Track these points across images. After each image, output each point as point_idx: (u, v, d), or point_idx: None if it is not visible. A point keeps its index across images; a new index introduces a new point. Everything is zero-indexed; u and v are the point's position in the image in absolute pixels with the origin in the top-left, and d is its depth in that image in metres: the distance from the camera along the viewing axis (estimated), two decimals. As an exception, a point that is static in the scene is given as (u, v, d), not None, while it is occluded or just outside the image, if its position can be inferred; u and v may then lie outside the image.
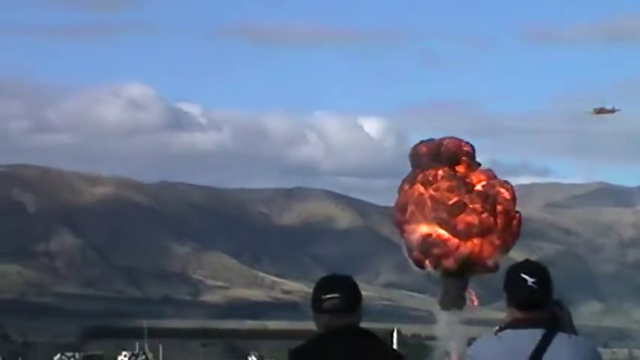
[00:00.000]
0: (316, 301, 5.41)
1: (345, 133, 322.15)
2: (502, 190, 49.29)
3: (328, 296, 5.37)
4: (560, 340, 5.20)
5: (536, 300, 5.28)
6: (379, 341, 5.33)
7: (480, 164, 50.12)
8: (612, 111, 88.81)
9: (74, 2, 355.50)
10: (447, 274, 49.44)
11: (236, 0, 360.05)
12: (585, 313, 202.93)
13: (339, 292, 5.38)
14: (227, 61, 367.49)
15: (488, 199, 48.47)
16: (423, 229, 49.85)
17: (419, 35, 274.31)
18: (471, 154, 49.51)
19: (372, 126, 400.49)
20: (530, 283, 5.30)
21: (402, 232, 50.35)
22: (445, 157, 49.25)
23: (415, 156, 50.02)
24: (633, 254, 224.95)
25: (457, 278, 49.66)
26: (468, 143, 49.84)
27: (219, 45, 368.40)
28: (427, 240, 49.39)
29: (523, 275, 5.35)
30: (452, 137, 50.54)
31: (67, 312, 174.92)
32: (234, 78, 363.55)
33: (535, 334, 5.19)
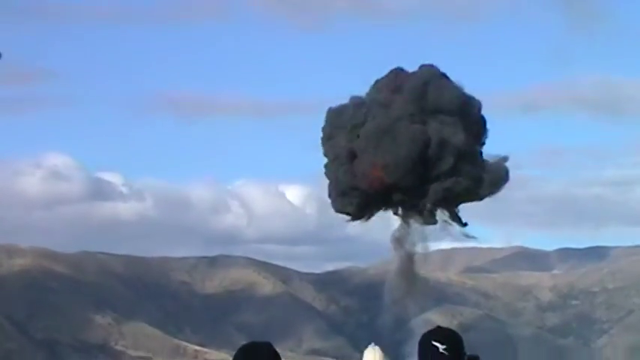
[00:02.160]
0: None
1: (266, 201, 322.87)
2: None
3: None
4: None
5: None
6: None
7: None
8: None
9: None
10: None
11: (156, 71, 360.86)
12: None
13: None
14: (149, 131, 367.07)
15: None
16: None
17: (335, 105, 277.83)
18: None
19: (293, 193, 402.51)
20: (441, 350, 5.33)
21: None
22: None
23: None
24: (551, 318, 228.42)
25: None
26: None
27: (141, 115, 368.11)
28: None
29: (434, 343, 5.40)
30: None
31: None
32: (157, 148, 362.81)
33: None
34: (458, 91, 49.45)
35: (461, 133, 47.91)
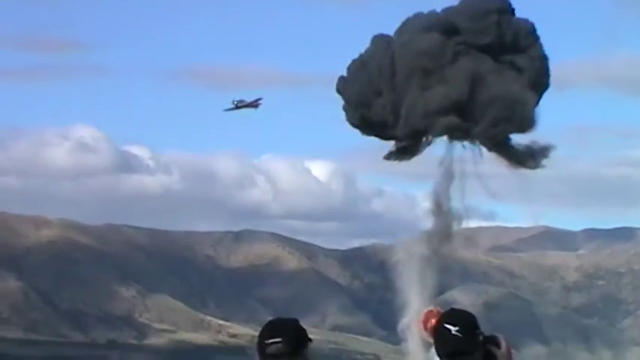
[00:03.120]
0: (260, 346, 5.41)
1: (292, 177, 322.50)
2: None
3: (271, 341, 5.36)
4: None
5: (461, 347, 5.38)
6: None
7: None
8: (255, 105, 78.70)
9: (21, 44, 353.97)
10: None
11: (187, 43, 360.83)
12: (530, 357, 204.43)
13: (282, 336, 5.37)
14: (177, 103, 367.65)
15: None
16: None
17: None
18: None
19: (319, 169, 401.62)
20: (454, 332, 5.41)
21: None
22: None
23: None
24: (577, 298, 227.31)
25: None
26: None
27: (168, 88, 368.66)
28: None
29: (446, 325, 5.49)
30: None
31: (10, 357, 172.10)
32: (184, 121, 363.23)
33: None
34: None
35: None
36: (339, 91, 50.78)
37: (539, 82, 49.42)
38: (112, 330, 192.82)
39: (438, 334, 5.52)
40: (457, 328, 5.45)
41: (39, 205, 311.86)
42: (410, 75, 47.84)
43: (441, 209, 50.64)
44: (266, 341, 5.40)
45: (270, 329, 5.45)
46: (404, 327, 49.21)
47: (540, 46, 49.37)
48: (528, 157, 49.63)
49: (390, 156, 50.84)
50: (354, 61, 50.39)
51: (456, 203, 50.91)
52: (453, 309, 5.71)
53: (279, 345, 5.37)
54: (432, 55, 47.61)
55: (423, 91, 47.76)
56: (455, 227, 51.81)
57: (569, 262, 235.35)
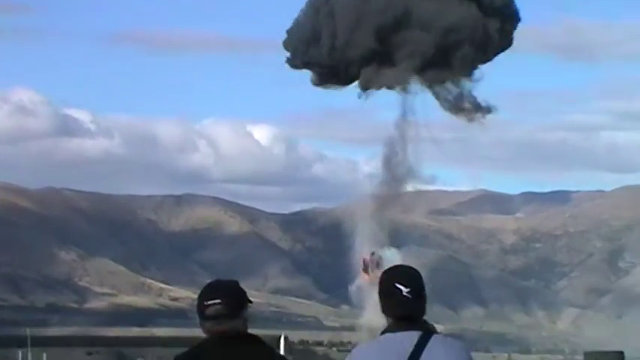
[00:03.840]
0: (200, 308, 5.36)
1: (234, 141, 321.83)
2: None
3: (210, 302, 5.33)
4: (436, 341, 5.22)
5: (412, 311, 5.20)
6: (264, 346, 5.44)
7: None
8: None
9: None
10: None
11: (128, 7, 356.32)
12: (468, 318, 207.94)
13: (221, 297, 5.33)
14: (118, 67, 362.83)
15: None
16: None
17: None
18: None
19: (261, 133, 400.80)
20: (405, 293, 5.16)
21: None
22: None
23: None
24: (514, 260, 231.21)
25: None
26: None
27: (110, 51, 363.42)
28: None
29: (398, 285, 5.19)
30: None
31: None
32: (125, 85, 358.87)
33: (412, 336, 5.22)
34: None
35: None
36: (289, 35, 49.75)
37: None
38: (52, 294, 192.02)
39: (388, 294, 5.17)
40: (408, 290, 5.14)
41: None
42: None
43: (387, 171, 51.08)
44: (205, 303, 5.39)
45: (209, 291, 5.43)
46: (356, 288, 50.02)
47: None
48: (472, 109, 49.57)
49: (320, 80, 49.80)
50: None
51: (398, 167, 51.54)
52: (401, 266, 5.36)
53: (219, 306, 5.35)
54: None
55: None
56: (397, 191, 52.40)
57: (507, 226, 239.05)
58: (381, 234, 50.35)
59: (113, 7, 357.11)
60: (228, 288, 5.44)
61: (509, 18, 48.43)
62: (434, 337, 5.23)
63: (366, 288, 47.84)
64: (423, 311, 5.28)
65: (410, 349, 5.16)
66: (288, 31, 49.72)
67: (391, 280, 5.26)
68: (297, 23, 49.33)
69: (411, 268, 5.38)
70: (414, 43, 46.42)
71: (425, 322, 5.28)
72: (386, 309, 5.28)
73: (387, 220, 51.75)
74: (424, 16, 46.79)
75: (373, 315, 46.80)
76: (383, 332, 5.29)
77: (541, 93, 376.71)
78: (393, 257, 48.63)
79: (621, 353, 39.91)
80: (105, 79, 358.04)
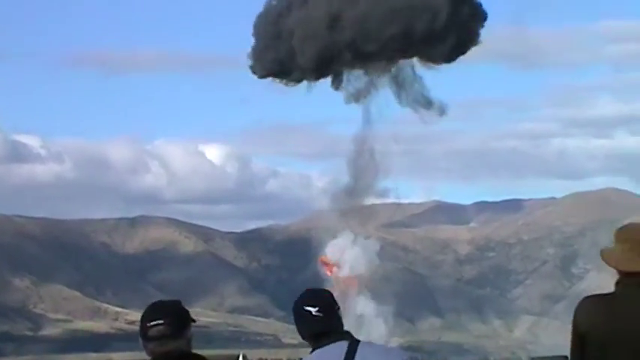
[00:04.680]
0: (142, 329, 5.31)
1: (186, 161, 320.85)
2: None
3: (153, 323, 5.26)
4: (365, 346, 5.45)
5: (325, 327, 5.42)
6: None
7: None
8: None
9: None
10: None
11: (74, 29, 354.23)
12: (425, 329, 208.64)
13: (163, 318, 5.27)
14: (66, 90, 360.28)
15: None
16: None
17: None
18: None
19: (213, 152, 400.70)
20: (314, 313, 5.38)
21: None
22: None
23: None
24: (469, 270, 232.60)
25: None
26: None
27: (58, 75, 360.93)
28: None
29: (306, 308, 5.41)
30: None
31: None
32: (75, 108, 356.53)
33: (341, 346, 5.44)
34: None
35: None
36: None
37: None
38: (5, 322, 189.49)
39: (300, 318, 5.47)
40: (317, 309, 5.43)
41: None
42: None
43: (346, 185, 51.35)
44: (148, 324, 5.30)
45: (151, 311, 5.34)
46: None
47: None
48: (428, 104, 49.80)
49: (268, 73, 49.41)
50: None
51: (352, 181, 51.82)
52: (308, 290, 5.62)
53: (161, 327, 5.26)
54: None
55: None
56: (352, 204, 52.67)
57: (461, 235, 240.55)
58: (345, 243, 50.58)
59: (61, 29, 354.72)
60: (171, 308, 5.39)
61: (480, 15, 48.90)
62: (362, 344, 5.45)
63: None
64: (337, 326, 5.48)
65: (342, 356, 5.36)
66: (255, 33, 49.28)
67: (300, 304, 5.51)
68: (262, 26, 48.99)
69: (320, 289, 5.63)
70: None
71: (349, 334, 5.49)
72: (302, 331, 5.52)
73: (349, 232, 52.00)
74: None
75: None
76: (312, 351, 5.51)
77: (490, 102, 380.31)
78: (356, 256, 48.99)
79: (566, 357, 40.30)
80: (53, 102, 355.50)
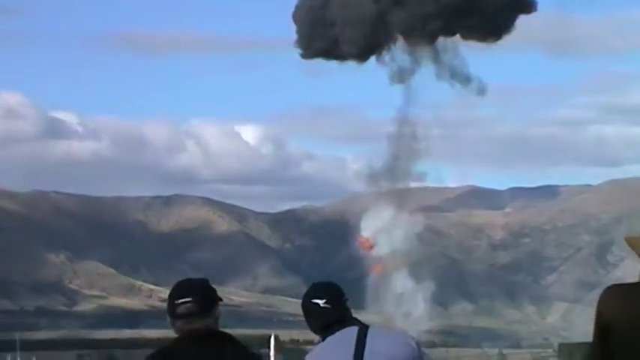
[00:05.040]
0: (170, 307, 5.37)
1: (222, 141, 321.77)
2: None
3: (181, 301, 5.32)
4: (375, 329, 5.57)
5: (333, 318, 5.54)
6: (236, 344, 5.43)
7: None
8: None
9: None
10: None
11: (114, 8, 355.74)
12: (457, 314, 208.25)
13: (191, 296, 5.32)
14: (104, 69, 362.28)
15: None
16: None
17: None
18: None
19: (249, 133, 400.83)
20: (322, 305, 5.50)
21: None
22: None
23: None
24: (503, 255, 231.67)
25: None
26: None
27: (96, 53, 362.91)
28: None
29: (314, 300, 5.54)
30: None
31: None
32: (112, 86, 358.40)
33: (352, 331, 5.55)
34: None
35: None
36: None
37: None
38: (41, 297, 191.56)
39: (309, 311, 5.61)
40: (324, 301, 5.57)
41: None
42: None
43: (382, 168, 51.22)
44: (176, 301, 5.37)
45: (179, 289, 5.41)
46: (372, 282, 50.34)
47: None
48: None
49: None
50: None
51: (390, 163, 51.63)
52: (315, 284, 5.75)
53: (189, 304, 5.34)
54: None
55: None
56: (388, 187, 52.50)
57: (496, 221, 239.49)
58: (383, 223, 50.44)
59: (99, 9, 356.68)
60: (199, 286, 5.41)
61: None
62: (372, 328, 5.56)
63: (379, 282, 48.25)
64: (346, 316, 5.59)
65: (353, 340, 5.49)
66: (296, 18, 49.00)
67: (307, 298, 5.65)
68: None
69: (327, 282, 5.74)
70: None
71: (358, 321, 5.59)
72: (312, 324, 5.64)
73: (387, 211, 51.79)
74: None
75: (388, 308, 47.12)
76: (323, 339, 5.63)
77: (528, 89, 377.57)
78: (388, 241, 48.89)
79: None
80: (91, 81, 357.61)
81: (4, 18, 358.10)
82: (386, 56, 48.86)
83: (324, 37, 47.89)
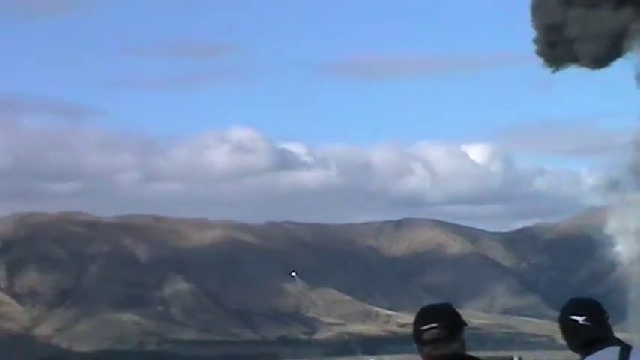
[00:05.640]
0: (416, 333, 5.37)
1: (450, 162, 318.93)
2: None
3: (427, 327, 5.31)
4: (638, 352, 5.05)
5: (592, 336, 5.12)
6: None
7: None
8: None
9: (176, 52, 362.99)
10: None
11: (333, 35, 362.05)
12: None
13: (437, 321, 5.30)
14: (328, 97, 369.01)
15: None
16: None
17: (519, 58, 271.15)
18: None
19: (476, 152, 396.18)
20: (581, 322, 5.16)
21: None
22: None
23: None
24: None
25: None
26: None
27: (318, 82, 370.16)
28: None
29: (572, 317, 5.21)
30: None
31: (187, 358, 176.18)
32: (337, 114, 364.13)
33: (613, 351, 5.12)
34: None
35: None
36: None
37: None
38: (281, 326, 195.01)
39: (567, 328, 5.31)
40: (584, 317, 5.26)
41: (201, 207, 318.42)
42: None
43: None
44: (421, 327, 5.40)
45: (424, 315, 5.47)
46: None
47: None
48: None
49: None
50: None
51: (630, 176, 47.82)
52: (573, 299, 5.38)
53: (435, 330, 5.36)
54: None
55: None
56: (628, 201, 48.76)
57: None
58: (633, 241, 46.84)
59: (318, 37, 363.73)
60: (444, 311, 5.44)
61: None
62: (635, 349, 5.30)
63: None
64: (606, 334, 5.36)
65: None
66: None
67: (565, 314, 5.47)
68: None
69: (586, 298, 5.52)
70: None
71: (619, 340, 5.34)
72: (570, 342, 5.44)
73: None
74: None
75: None
76: (582, 359, 5.41)
77: None
78: None
79: None
80: (316, 109, 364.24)
81: (228, 56, 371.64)
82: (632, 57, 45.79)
83: (564, 39, 45.53)
